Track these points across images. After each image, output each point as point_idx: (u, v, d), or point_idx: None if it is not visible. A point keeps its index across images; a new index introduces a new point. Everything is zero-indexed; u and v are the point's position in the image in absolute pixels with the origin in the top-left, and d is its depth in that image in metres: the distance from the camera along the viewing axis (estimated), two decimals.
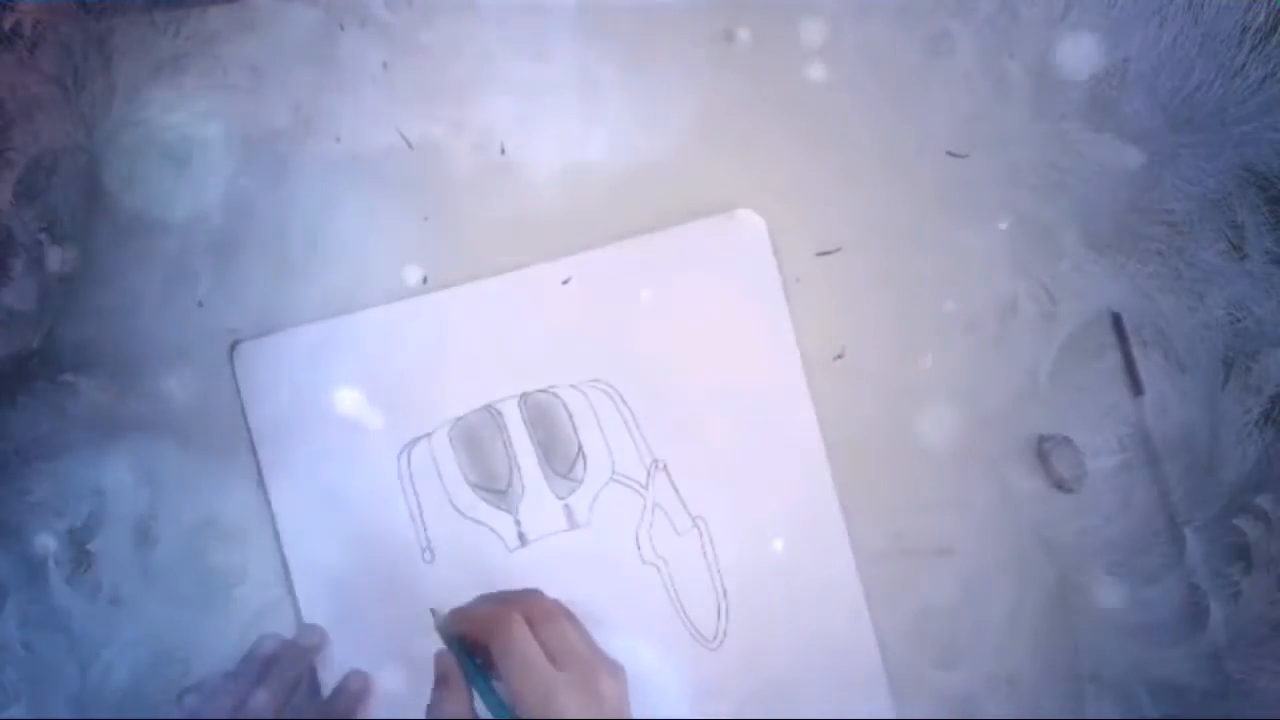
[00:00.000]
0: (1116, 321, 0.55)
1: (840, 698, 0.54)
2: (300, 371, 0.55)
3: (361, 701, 0.54)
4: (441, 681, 0.46)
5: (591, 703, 0.44)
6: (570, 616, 0.48)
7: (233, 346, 0.56)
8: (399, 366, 0.55)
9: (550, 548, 0.55)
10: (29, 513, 0.56)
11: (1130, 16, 0.56)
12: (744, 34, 0.56)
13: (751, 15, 0.56)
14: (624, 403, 0.55)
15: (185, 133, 0.57)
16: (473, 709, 0.46)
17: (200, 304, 0.56)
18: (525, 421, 0.55)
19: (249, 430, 0.55)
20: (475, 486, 0.55)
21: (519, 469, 0.55)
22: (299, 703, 0.53)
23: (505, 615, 0.46)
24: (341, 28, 0.57)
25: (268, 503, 0.55)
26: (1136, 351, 0.55)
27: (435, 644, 0.48)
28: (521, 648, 0.44)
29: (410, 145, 0.57)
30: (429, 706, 0.46)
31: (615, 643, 0.48)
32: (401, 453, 0.55)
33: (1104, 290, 0.55)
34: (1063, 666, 0.54)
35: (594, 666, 0.45)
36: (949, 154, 0.56)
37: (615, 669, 0.46)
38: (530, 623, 0.46)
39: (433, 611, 0.49)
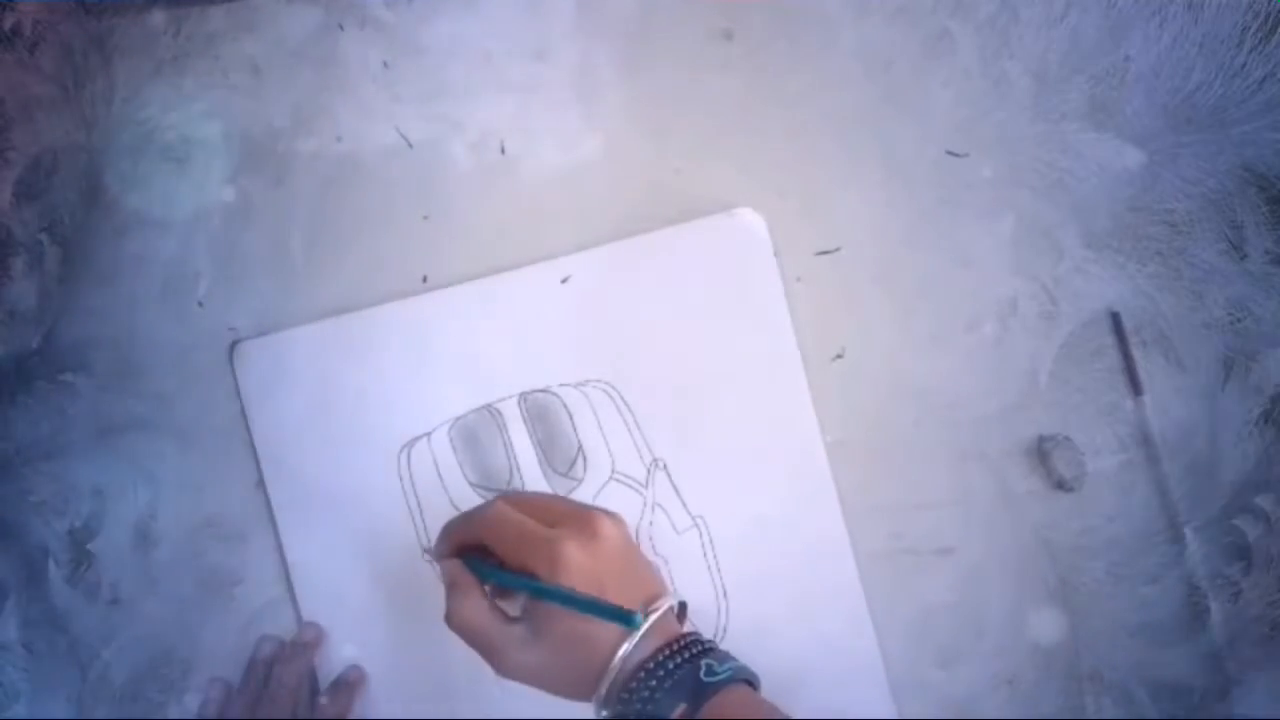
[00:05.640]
0: (1116, 321, 0.55)
1: (840, 698, 0.53)
2: (300, 371, 0.55)
3: (357, 693, 0.54)
4: (453, 587, 0.46)
5: (593, 544, 0.44)
6: (550, 493, 0.48)
7: (233, 346, 0.56)
8: (399, 366, 0.55)
9: None
10: (29, 513, 0.56)
11: (1130, 16, 0.56)
12: (744, 34, 0.56)
13: (751, 15, 0.56)
14: (624, 402, 0.55)
15: (185, 133, 0.57)
16: (489, 604, 0.45)
17: (200, 304, 0.56)
18: (525, 421, 0.55)
19: (249, 430, 0.55)
20: (475, 486, 0.55)
21: (519, 468, 0.55)
22: (301, 699, 0.53)
23: (488, 505, 0.46)
24: (341, 28, 0.57)
25: (268, 503, 0.55)
26: (1136, 351, 0.55)
27: (432, 633, 0.47)
28: (514, 522, 0.45)
29: (410, 145, 0.57)
30: (446, 615, 0.45)
31: None
32: (401, 452, 0.55)
33: (1104, 290, 0.55)
34: (1063, 666, 0.54)
35: (588, 516, 0.45)
36: (949, 154, 0.56)
37: (612, 515, 0.46)
38: (513, 506, 0.46)
39: (425, 551, 0.49)
